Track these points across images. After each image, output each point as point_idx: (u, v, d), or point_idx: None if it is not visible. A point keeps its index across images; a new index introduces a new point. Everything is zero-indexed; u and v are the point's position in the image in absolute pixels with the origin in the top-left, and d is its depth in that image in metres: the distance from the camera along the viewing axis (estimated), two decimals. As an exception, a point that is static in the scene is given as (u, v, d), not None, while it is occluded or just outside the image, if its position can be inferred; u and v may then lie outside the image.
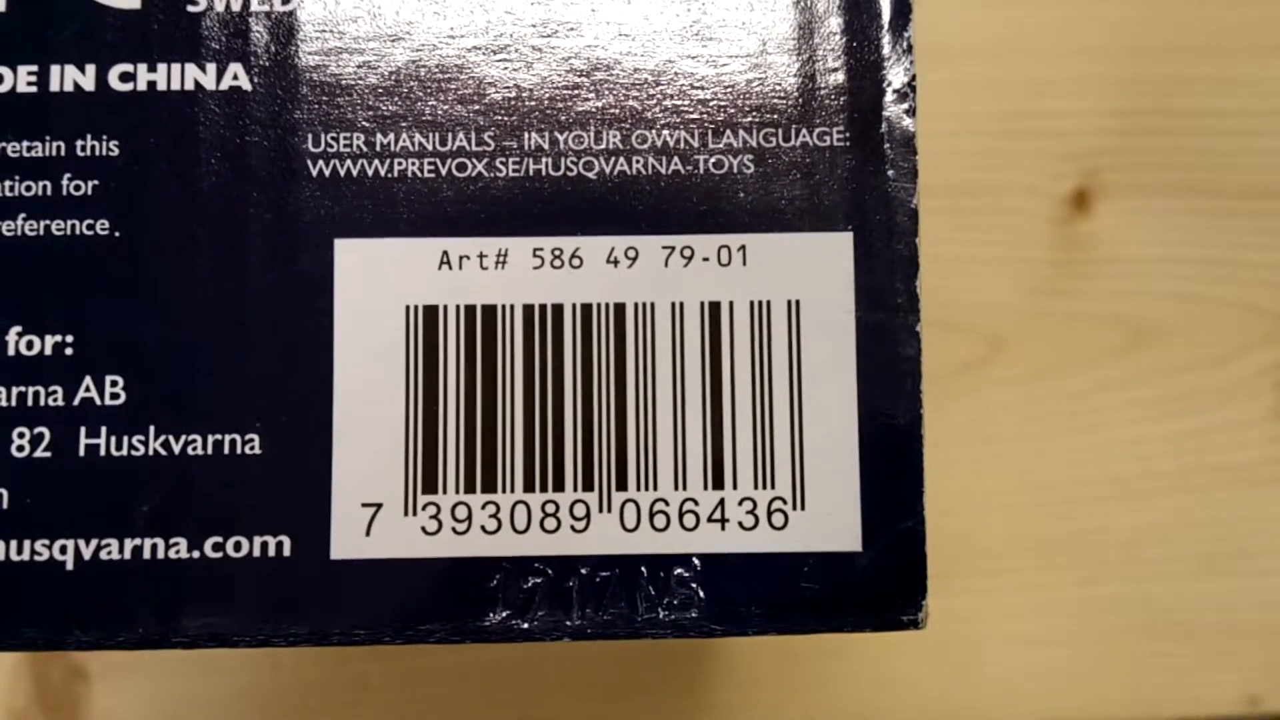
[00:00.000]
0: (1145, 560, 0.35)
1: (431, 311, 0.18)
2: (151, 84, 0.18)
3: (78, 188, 0.18)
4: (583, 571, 0.17)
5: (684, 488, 0.17)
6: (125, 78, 0.18)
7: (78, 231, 0.17)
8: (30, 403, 0.17)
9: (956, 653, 0.35)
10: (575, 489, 0.17)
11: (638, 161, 0.18)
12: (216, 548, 0.17)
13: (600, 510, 0.17)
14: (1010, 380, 0.36)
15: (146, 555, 0.17)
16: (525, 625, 0.17)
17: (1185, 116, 0.37)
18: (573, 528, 0.17)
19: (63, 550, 0.17)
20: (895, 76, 0.18)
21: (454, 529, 0.17)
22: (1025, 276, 0.36)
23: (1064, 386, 0.36)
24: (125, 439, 0.17)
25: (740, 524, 0.17)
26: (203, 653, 0.33)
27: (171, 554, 0.17)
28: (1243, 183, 0.37)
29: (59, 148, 0.18)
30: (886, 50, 0.18)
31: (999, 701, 0.35)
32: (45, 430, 0.17)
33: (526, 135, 0.18)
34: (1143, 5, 0.37)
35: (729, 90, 0.18)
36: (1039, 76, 0.37)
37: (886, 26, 0.18)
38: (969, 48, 0.37)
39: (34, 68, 0.18)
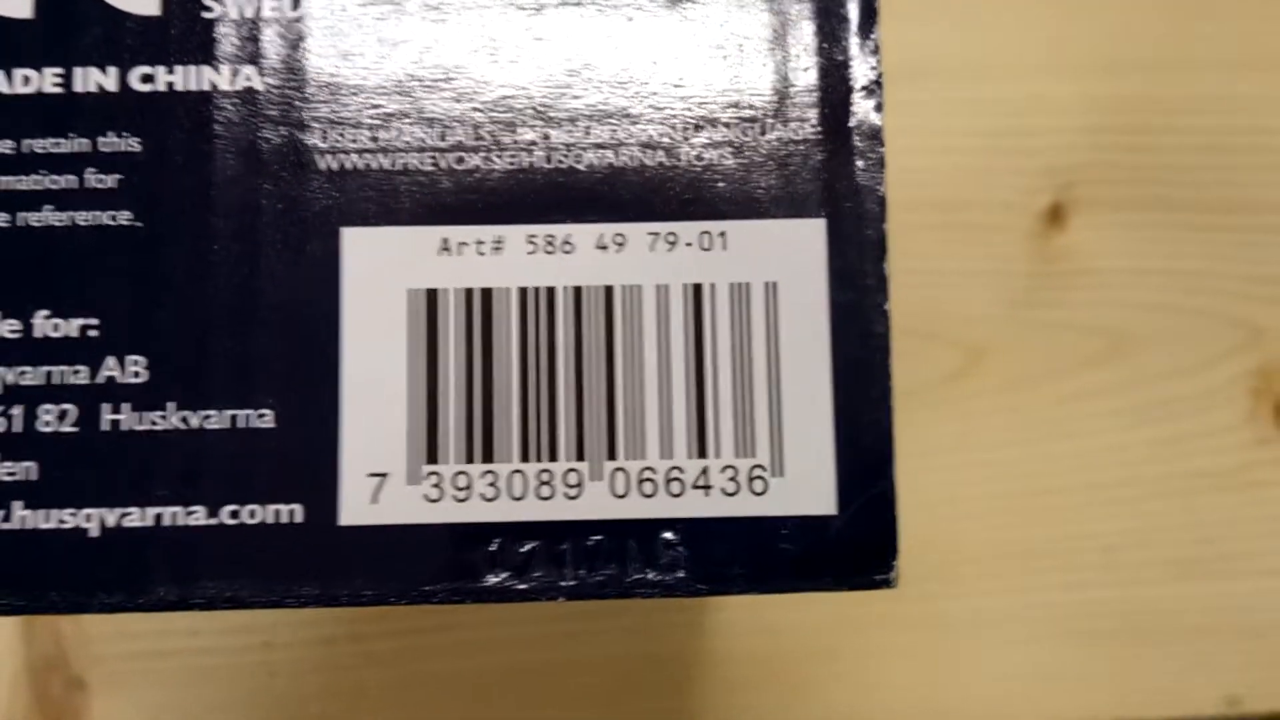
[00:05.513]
0: (1126, 564, 0.36)
1: (432, 294, 0.18)
2: (170, 84, 0.19)
3: (101, 181, 0.19)
4: (576, 536, 0.18)
5: (670, 456, 0.18)
6: (145, 79, 0.19)
7: (101, 222, 0.18)
8: (56, 381, 0.18)
9: (941, 656, 0.35)
10: (568, 459, 0.18)
11: (624, 154, 0.19)
12: (233, 515, 0.18)
13: (592, 478, 0.18)
14: (991, 389, 0.36)
15: (167, 523, 0.18)
16: (522, 586, 0.18)
17: (1158, 133, 0.38)
18: (566, 495, 0.18)
19: (88, 519, 0.18)
20: (863, 74, 0.19)
21: (455, 497, 0.18)
22: (1004, 288, 0.37)
23: (1044, 395, 0.36)
24: (146, 414, 0.18)
25: (723, 490, 0.18)
26: (200, 661, 0.33)
27: (190, 522, 0.18)
28: (1214, 197, 0.38)
29: (83, 144, 0.19)
30: (854, 51, 0.19)
31: (983, 704, 0.35)
32: (71, 407, 0.18)
33: (520, 130, 0.19)
34: (1116, 25, 0.38)
35: (709, 88, 0.19)
36: (1016, 95, 0.38)
37: (855, 29, 0.19)
38: (949, 68, 0.38)
39: (60, 70, 0.19)
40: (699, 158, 0.19)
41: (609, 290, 0.19)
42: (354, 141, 0.19)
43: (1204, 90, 0.38)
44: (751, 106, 0.19)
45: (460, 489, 0.18)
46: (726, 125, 0.19)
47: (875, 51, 0.19)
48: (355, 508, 0.18)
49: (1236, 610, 0.36)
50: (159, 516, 0.18)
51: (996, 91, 0.38)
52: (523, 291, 0.19)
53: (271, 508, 0.18)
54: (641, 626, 0.35)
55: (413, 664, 0.34)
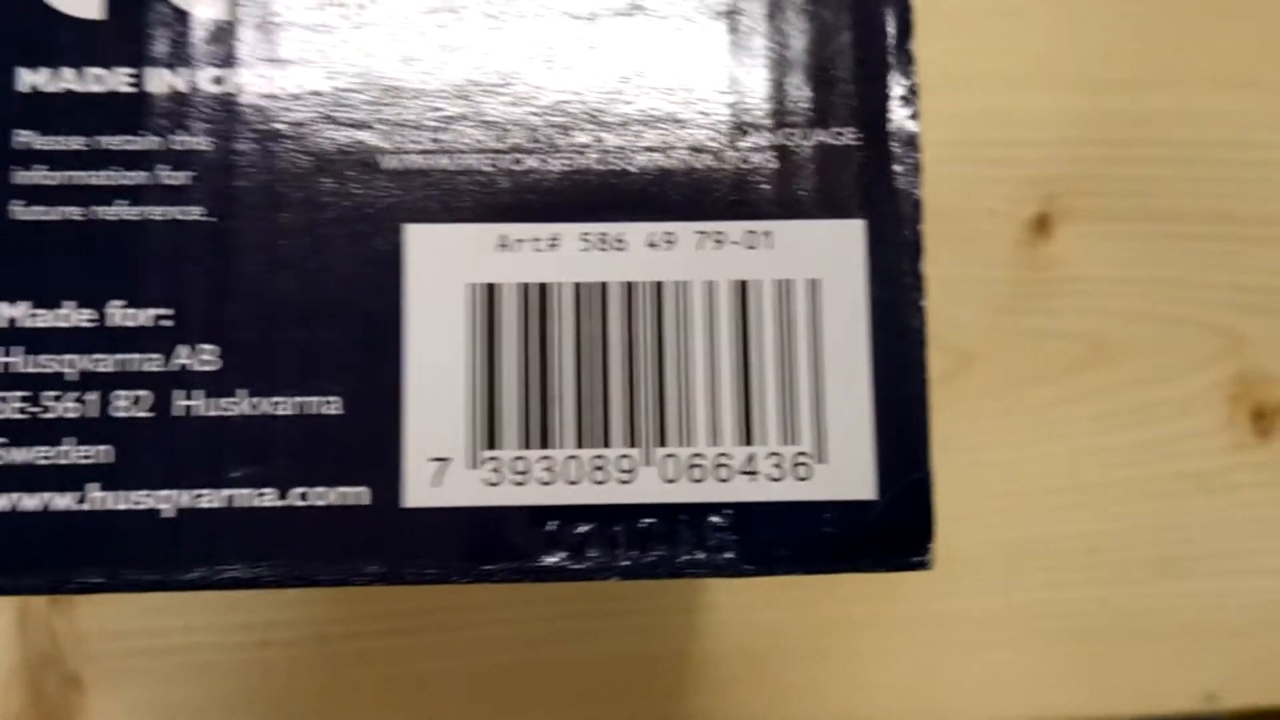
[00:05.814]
0: (1109, 564, 0.37)
1: (491, 289, 0.19)
2: (239, 86, 0.20)
3: (174, 178, 0.19)
4: (629, 518, 0.19)
5: (718, 443, 0.19)
6: (215, 80, 0.20)
7: (173, 216, 0.19)
8: (131, 368, 0.19)
9: (929, 655, 0.36)
10: (621, 445, 0.19)
11: (674, 157, 0.20)
12: (302, 497, 0.19)
13: (644, 464, 0.19)
14: (979, 393, 0.37)
15: (238, 505, 0.19)
16: (578, 566, 0.19)
17: (1142, 146, 0.39)
18: (619, 479, 0.19)
19: (161, 500, 0.19)
20: (899, 84, 0.20)
21: (513, 480, 0.19)
22: (991, 295, 0.38)
23: (1029, 399, 0.37)
24: (218, 400, 0.19)
25: (769, 476, 0.19)
26: (196, 659, 0.33)
27: (261, 503, 0.19)
28: (1196, 208, 0.38)
29: (155, 142, 0.19)
30: (892, 61, 0.20)
31: (970, 702, 0.36)
32: (145, 393, 0.19)
33: (575, 134, 0.20)
34: (1102, 41, 0.39)
35: (754, 95, 0.20)
36: (1004, 107, 0.39)
37: (892, 41, 0.20)
38: (938, 80, 0.38)
39: (132, 70, 0.19)
40: (745, 161, 0.20)
41: (659, 286, 0.19)
42: (416, 143, 0.20)
43: (1187, 105, 0.39)
44: (794, 113, 0.20)
45: (518, 473, 0.19)
46: (770, 130, 0.20)
47: (911, 62, 0.20)
48: (418, 490, 0.19)
49: (1215, 609, 0.37)
50: (231, 498, 0.19)
51: (985, 103, 0.39)
52: (577, 286, 0.19)
53: (339, 490, 0.19)
54: (637, 627, 0.35)
55: (409, 663, 0.35)
